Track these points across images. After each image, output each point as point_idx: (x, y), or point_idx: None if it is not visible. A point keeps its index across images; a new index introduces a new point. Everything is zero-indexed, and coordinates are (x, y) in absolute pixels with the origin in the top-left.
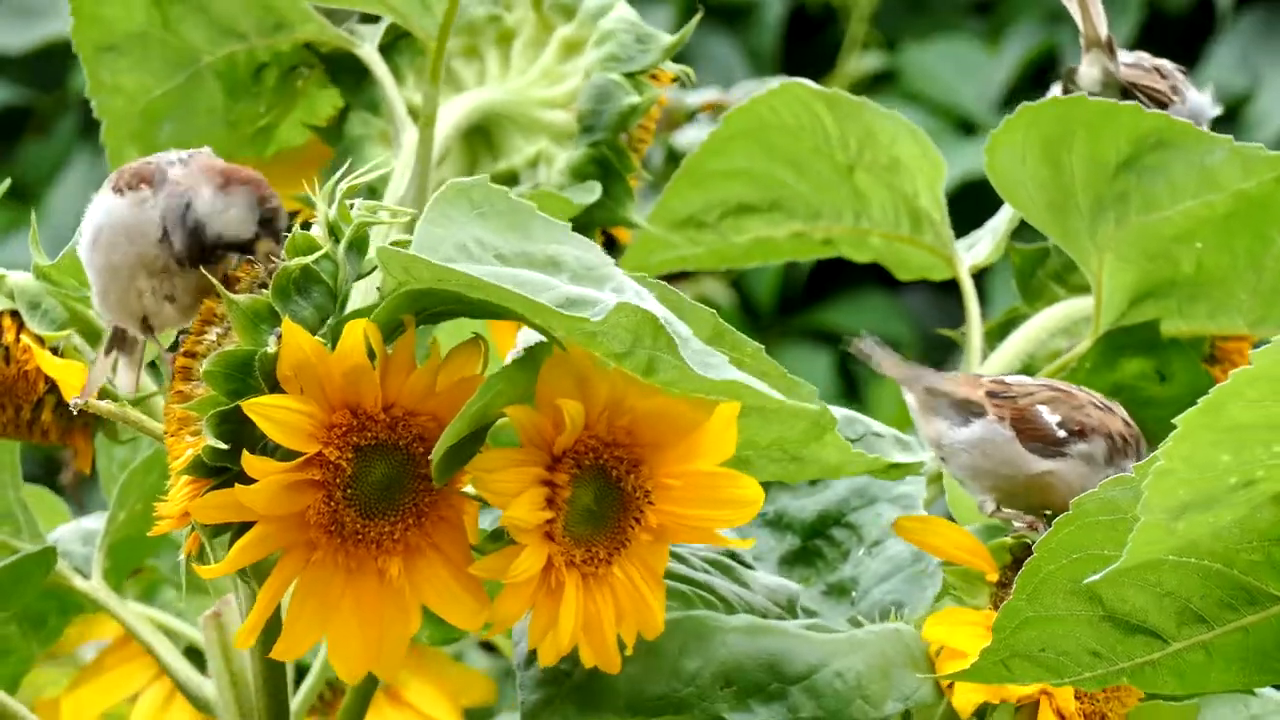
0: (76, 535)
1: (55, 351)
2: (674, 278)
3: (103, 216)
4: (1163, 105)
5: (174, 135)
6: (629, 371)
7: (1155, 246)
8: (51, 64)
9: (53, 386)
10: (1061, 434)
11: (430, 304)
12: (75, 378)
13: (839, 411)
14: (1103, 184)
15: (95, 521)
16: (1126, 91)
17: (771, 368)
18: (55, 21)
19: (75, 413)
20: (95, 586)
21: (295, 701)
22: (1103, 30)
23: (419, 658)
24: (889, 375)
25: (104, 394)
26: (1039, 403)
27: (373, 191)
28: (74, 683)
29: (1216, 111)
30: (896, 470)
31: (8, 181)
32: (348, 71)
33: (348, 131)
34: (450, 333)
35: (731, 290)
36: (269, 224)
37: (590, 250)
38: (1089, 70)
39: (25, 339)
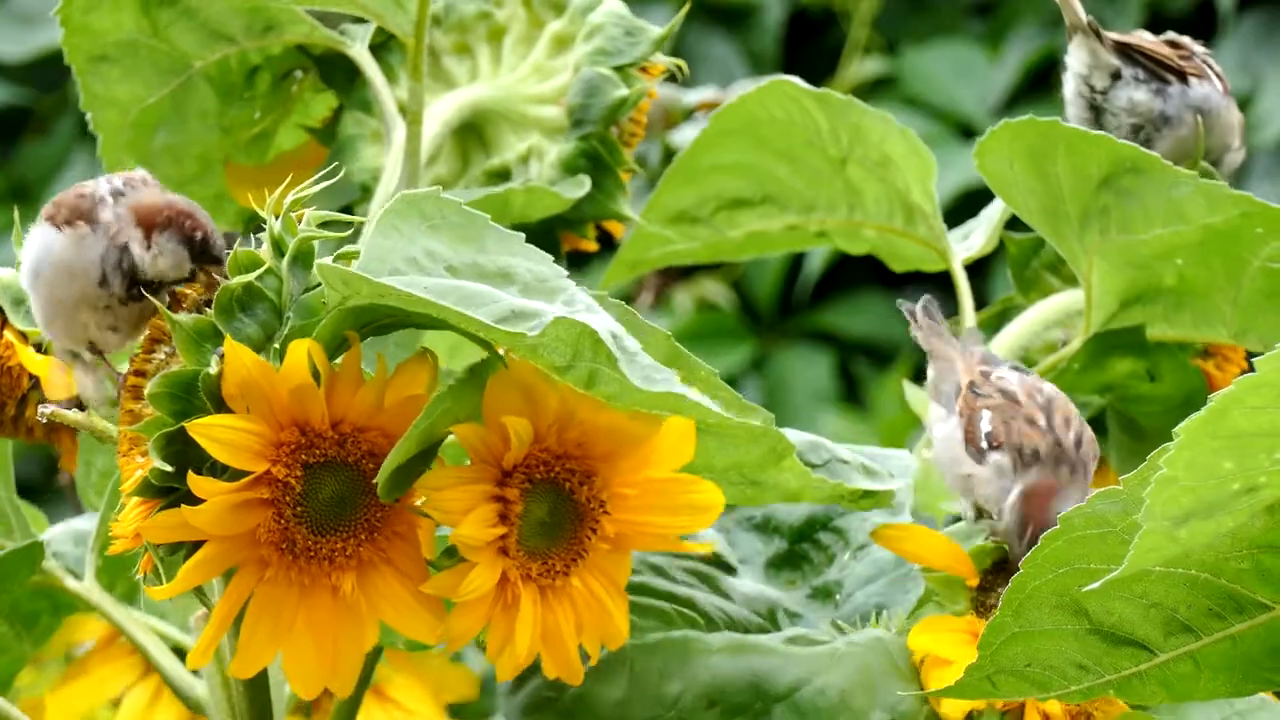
0: (68, 536)
1: (39, 348)
2: (671, 279)
3: (42, 252)
4: (1178, 73)
5: (168, 143)
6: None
7: (1138, 260)
8: (51, 65)
9: (36, 384)
10: (984, 444)
11: (374, 318)
12: (59, 375)
13: (802, 436)
14: (1087, 195)
15: (87, 522)
16: (1117, 73)
17: (725, 391)
18: (56, 29)
19: (43, 419)
20: (88, 587)
21: (284, 694)
22: (1080, 13)
23: (403, 654)
24: (920, 343)
25: (77, 399)
26: (986, 407)
27: (365, 190)
28: (58, 683)
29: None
30: (866, 499)
31: None
32: (340, 72)
33: (341, 132)
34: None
35: (732, 291)
36: (204, 252)
37: (543, 262)
38: (1075, 54)
39: (8, 335)
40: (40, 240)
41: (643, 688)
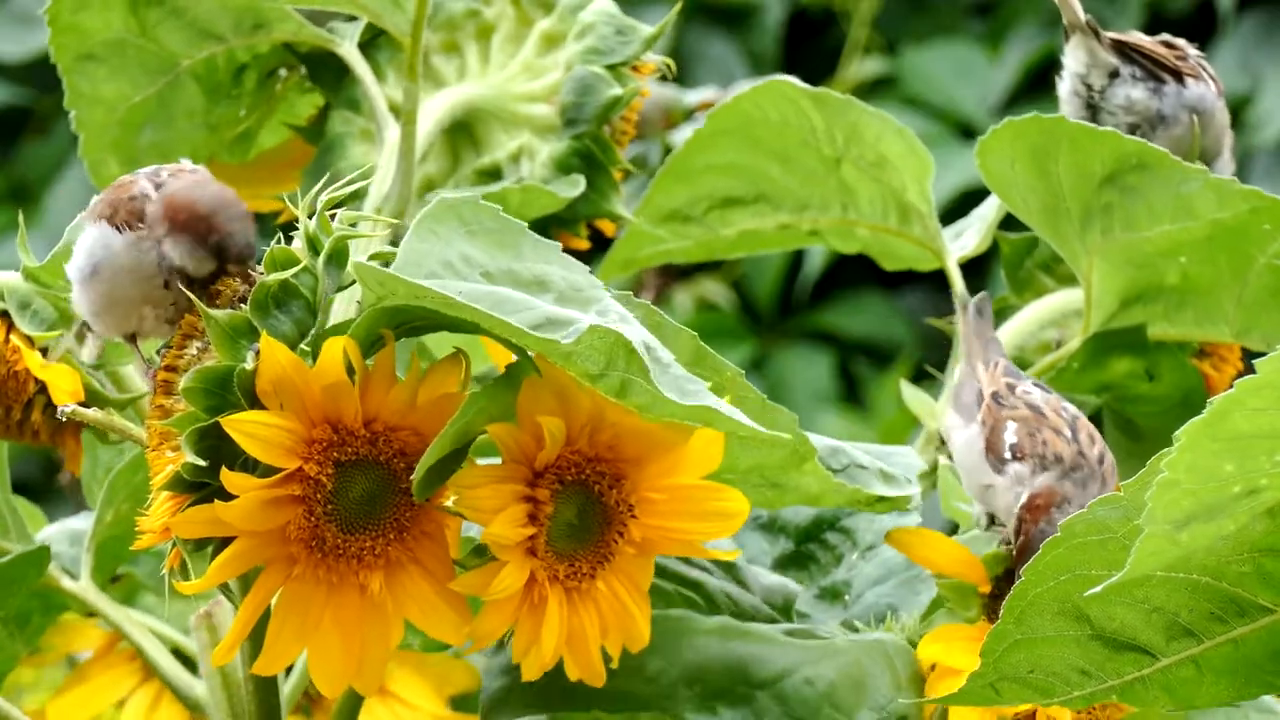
0: (64, 536)
1: (44, 352)
2: (672, 279)
3: (101, 252)
4: (1174, 73)
5: (154, 141)
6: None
7: (1140, 258)
8: (51, 65)
9: (42, 387)
10: (1007, 454)
11: (409, 319)
12: (64, 380)
13: (823, 441)
14: (1089, 194)
15: (82, 522)
16: (1115, 72)
17: (751, 393)
18: None
19: (64, 419)
20: (84, 587)
21: (285, 693)
22: (1079, 13)
23: (404, 649)
24: (961, 339)
25: (91, 400)
26: (1011, 419)
27: (355, 190)
28: (59, 690)
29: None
30: (882, 504)
31: None
32: (328, 70)
33: (329, 130)
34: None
35: (732, 291)
36: (223, 253)
37: (578, 271)
38: (1073, 53)
39: (15, 339)
40: (98, 240)
41: (624, 661)
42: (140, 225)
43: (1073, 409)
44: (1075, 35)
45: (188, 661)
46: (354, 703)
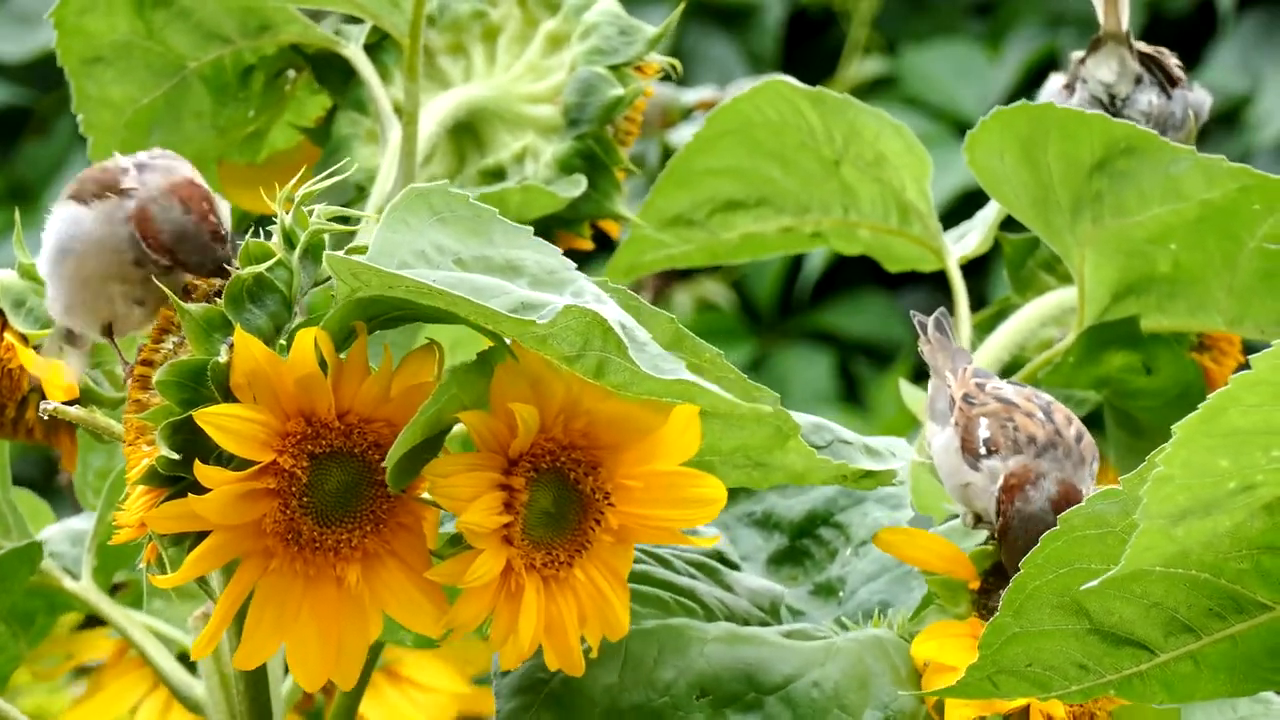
0: (65, 536)
1: (39, 350)
2: (671, 279)
3: (70, 228)
4: (1175, 83)
5: (161, 143)
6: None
7: (1131, 246)
8: (51, 65)
9: (36, 385)
10: (982, 450)
11: (383, 310)
12: (59, 377)
13: (805, 418)
14: (1080, 182)
15: (83, 522)
16: (1139, 78)
17: (732, 373)
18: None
19: (46, 417)
20: (85, 587)
21: (283, 691)
22: (1125, 23)
23: None
24: (925, 357)
25: (85, 397)
26: (983, 415)
27: (360, 190)
28: (74, 703)
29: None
30: (869, 479)
31: None
32: (335, 71)
33: (335, 131)
34: (437, 335)
35: (732, 291)
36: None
37: (551, 254)
38: (1104, 62)
39: (9, 337)
40: (66, 217)
41: (635, 673)
42: (109, 195)
43: (1046, 397)
44: (1109, 44)
45: (193, 664)
46: (355, 698)
